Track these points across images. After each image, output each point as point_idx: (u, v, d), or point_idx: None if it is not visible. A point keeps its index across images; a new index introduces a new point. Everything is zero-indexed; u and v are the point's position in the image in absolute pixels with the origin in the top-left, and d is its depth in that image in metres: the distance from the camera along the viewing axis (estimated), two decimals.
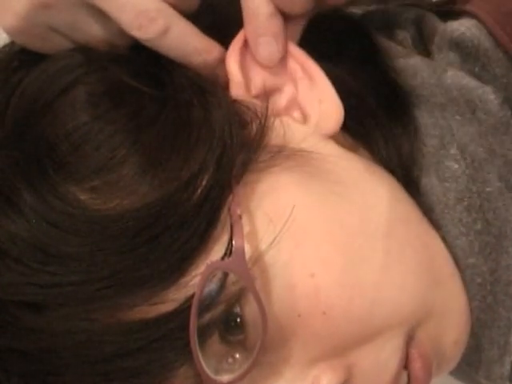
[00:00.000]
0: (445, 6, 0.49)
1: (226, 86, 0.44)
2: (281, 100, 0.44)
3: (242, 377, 0.38)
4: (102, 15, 0.41)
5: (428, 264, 0.42)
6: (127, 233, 0.38)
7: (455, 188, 0.44)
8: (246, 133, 0.41)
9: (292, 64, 0.44)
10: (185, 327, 0.37)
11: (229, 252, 0.38)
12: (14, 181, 0.39)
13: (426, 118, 0.46)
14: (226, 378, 0.39)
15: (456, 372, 0.47)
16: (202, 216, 0.38)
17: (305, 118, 0.44)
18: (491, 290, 0.44)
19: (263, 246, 0.39)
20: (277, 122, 0.43)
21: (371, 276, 0.40)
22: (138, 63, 0.43)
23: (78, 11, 0.41)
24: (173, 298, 0.38)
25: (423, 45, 0.49)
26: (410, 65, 0.46)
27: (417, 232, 0.43)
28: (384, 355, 0.40)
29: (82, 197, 0.39)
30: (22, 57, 0.44)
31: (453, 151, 0.45)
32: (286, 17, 0.43)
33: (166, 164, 0.39)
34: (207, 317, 0.38)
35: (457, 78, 0.45)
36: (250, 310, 0.39)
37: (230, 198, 0.39)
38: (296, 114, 0.44)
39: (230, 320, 0.39)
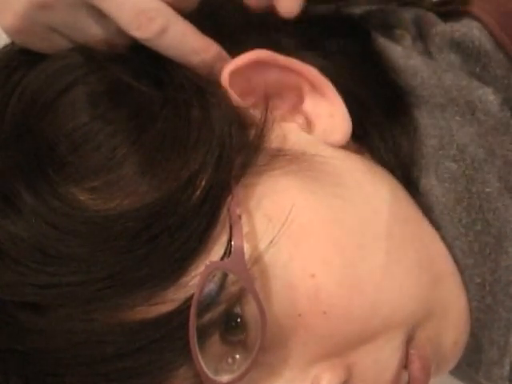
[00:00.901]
0: (445, 6, 0.49)
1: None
2: (283, 105, 0.44)
3: (241, 377, 0.38)
4: (100, 15, 0.41)
5: (428, 264, 0.42)
6: (127, 233, 0.38)
7: (455, 188, 0.44)
8: (246, 134, 0.41)
9: (294, 78, 0.44)
10: (184, 327, 0.37)
11: (228, 252, 0.38)
12: (14, 181, 0.39)
13: (425, 119, 0.46)
14: (225, 378, 0.39)
15: (456, 372, 0.47)
16: (202, 216, 0.38)
17: (310, 126, 0.44)
18: (491, 290, 0.44)
19: (262, 246, 0.39)
20: (278, 125, 0.43)
21: (371, 276, 0.40)
22: (138, 63, 0.43)
23: (77, 11, 0.41)
24: (172, 299, 0.38)
25: (423, 45, 0.49)
26: (410, 65, 0.46)
27: (417, 232, 0.43)
28: (384, 355, 0.41)
29: (82, 197, 0.39)
30: (22, 57, 0.44)
31: (452, 152, 0.45)
32: None
33: (165, 164, 0.39)
34: (207, 317, 0.38)
35: (457, 78, 0.45)
36: (249, 310, 0.39)
37: (230, 198, 0.39)
38: (300, 121, 0.44)
39: (229, 320, 0.39)
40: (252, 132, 0.41)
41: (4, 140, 0.41)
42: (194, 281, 0.38)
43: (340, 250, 0.40)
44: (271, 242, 0.39)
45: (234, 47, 0.44)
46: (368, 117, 0.46)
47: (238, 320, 0.39)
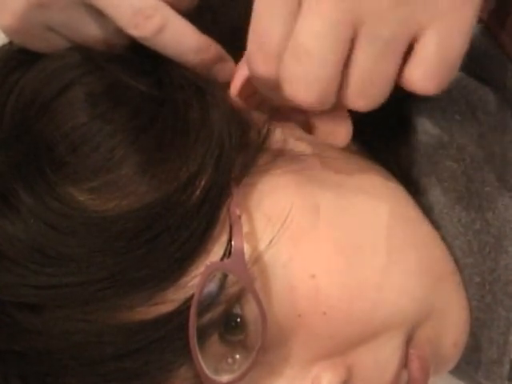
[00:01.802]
0: None
1: (225, 85, 0.43)
2: (285, 106, 0.44)
3: (241, 377, 0.38)
4: (98, 14, 0.41)
5: (428, 264, 0.42)
6: (126, 234, 0.38)
7: (454, 188, 0.44)
8: (246, 134, 0.41)
9: None
10: (184, 328, 0.37)
11: (228, 253, 0.38)
12: (12, 182, 0.39)
13: (425, 119, 0.46)
14: (225, 378, 0.39)
15: (456, 371, 0.47)
16: (201, 216, 0.38)
17: (311, 129, 0.44)
18: (490, 289, 0.44)
19: (262, 246, 0.39)
20: (279, 126, 0.43)
21: (372, 277, 0.40)
22: (137, 63, 0.43)
23: (75, 10, 0.41)
24: (172, 299, 0.38)
25: None
26: None
27: (417, 232, 0.43)
28: (384, 355, 0.41)
29: (81, 198, 0.39)
30: (20, 56, 0.44)
31: (452, 151, 0.45)
32: None
33: (164, 164, 0.39)
34: (207, 317, 0.38)
35: (457, 78, 0.45)
36: (249, 310, 0.39)
37: (230, 198, 0.39)
38: (302, 122, 0.44)
39: (229, 320, 0.39)
40: (253, 132, 0.41)
41: (2, 140, 0.41)
42: (194, 281, 0.38)
43: (340, 250, 0.40)
44: (271, 242, 0.39)
45: (234, 47, 0.43)
46: (368, 116, 0.46)
47: (238, 320, 0.39)
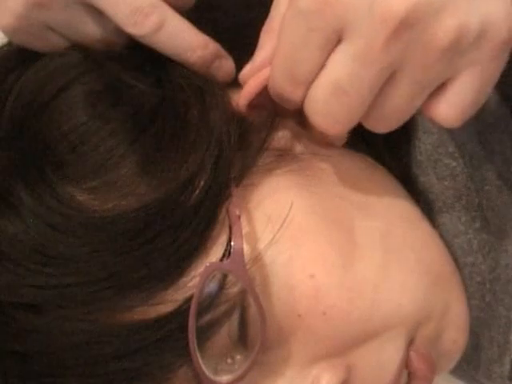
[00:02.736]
0: None
1: (224, 83, 0.43)
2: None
3: (241, 377, 0.38)
4: (97, 13, 0.41)
5: (428, 263, 0.42)
6: (125, 234, 0.38)
7: (453, 186, 0.44)
8: (246, 135, 0.41)
9: None
10: (184, 328, 0.37)
11: (227, 253, 0.38)
12: (12, 182, 0.39)
13: (424, 117, 0.45)
14: (225, 378, 0.39)
15: (456, 371, 0.47)
16: (201, 216, 0.38)
17: (310, 127, 0.44)
18: (490, 288, 0.44)
19: (262, 247, 0.39)
20: (279, 126, 0.43)
21: (371, 276, 0.40)
22: (136, 62, 0.43)
23: (74, 9, 0.41)
24: (172, 299, 0.38)
25: None
26: None
27: (417, 231, 0.43)
28: (385, 355, 0.41)
29: (80, 198, 0.39)
30: (20, 56, 0.44)
31: (451, 149, 0.44)
32: None
33: (164, 164, 0.39)
34: (206, 318, 0.38)
35: None
36: (249, 310, 0.38)
37: (229, 198, 0.39)
38: (301, 121, 0.44)
39: (229, 321, 0.39)
40: (253, 132, 0.41)
41: (2, 140, 0.41)
42: (194, 281, 0.38)
43: (339, 249, 0.40)
44: (270, 242, 0.38)
45: (232, 46, 0.43)
46: None
47: (238, 320, 0.39)
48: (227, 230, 0.38)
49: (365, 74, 0.35)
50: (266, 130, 0.41)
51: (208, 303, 0.37)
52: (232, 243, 0.38)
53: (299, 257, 0.39)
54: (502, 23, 0.34)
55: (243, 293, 0.38)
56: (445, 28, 0.34)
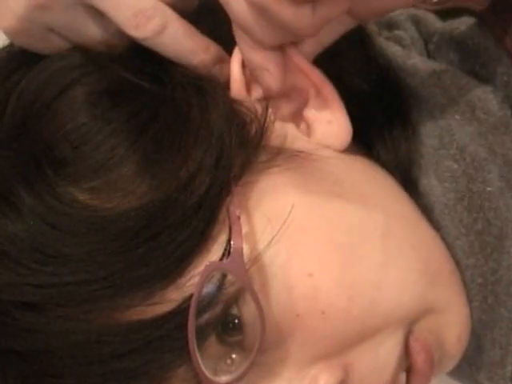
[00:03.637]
0: (444, 4, 0.49)
1: (225, 85, 0.44)
2: (286, 106, 0.44)
3: (240, 378, 0.38)
4: (99, 15, 0.41)
5: (427, 262, 0.42)
6: (125, 233, 0.38)
7: (455, 188, 0.44)
8: (245, 133, 0.41)
9: (303, 80, 0.43)
10: (183, 328, 0.37)
11: (227, 253, 0.38)
12: (13, 181, 0.39)
13: (425, 118, 0.45)
14: (224, 379, 0.38)
15: (457, 373, 0.47)
16: (201, 216, 0.38)
17: (309, 131, 0.44)
18: (492, 290, 0.44)
19: (261, 247, 0.39)
20: (278, 125, 0.43)
21: (370, 275, 0.40)
22: (137, 63, 0.43)
23: (76, 11, 0.42)
24: (171, 299, 0.38)
25: (422, 44, 0.48)
26: (410, 65, 0.46)
27: (415, 231, 0.43)
28: (382, 353, 0.40)
29: (81, 197, 0.39)
30: (22, 58, 0.44)
31: (452, 151, 0.44)
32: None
33: (164, 164, 0.39)
34: (205, 317, 0.38)
35: (456, 77, 0.45)
36: (248, 310, 0.38)
37: (229, 198, 0.39)
38: (301, 125, 0.44)
39: (228, 321, 0.39)
40: (252, 129, 0.41)
41: (3, 140, 0.41)
42: (193, 281, 0.37)
43: (338, 248, 0.40)
44: (270, 242, 0.38)
45: (233, 49, 0.43)
46: (367, 117, 0.46)
47: (236, 321, 0.39)
48: (227, 229, 0.38)
49: None
50: (265, 128, 0.41)
51: (207, 303, 0.37)
52: (231, 243, 0.38)
53: (298, 256, 0.39)
54: None
55: (242, 293, 0.38)
56: None
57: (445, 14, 0.48)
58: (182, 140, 0.40)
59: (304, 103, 0.44)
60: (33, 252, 0.38)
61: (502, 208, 0.44)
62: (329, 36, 0.42)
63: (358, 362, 0.40)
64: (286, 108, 0.44)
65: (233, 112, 0.41)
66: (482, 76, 0.45)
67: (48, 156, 0.40)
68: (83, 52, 0.43)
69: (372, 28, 0.49)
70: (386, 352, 0.40)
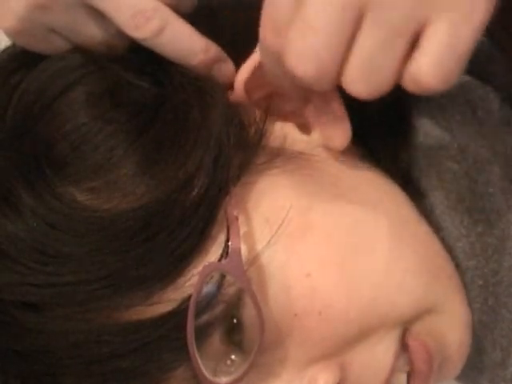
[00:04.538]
0: None
1: (225, 86, 0.44)
2: (285, 106, 0.44)
3: (240, 378, 0.38)
4: (99, 16, 0.41)
5: (426, 264, 0.42)
6: (125, 233, 0.38)
7: (456, 189, 0.44)
8: (244, 134, 0.41)
9: None
10: (182, 328, 0.37)
11: (225, 253, 0.38)
12: (13, 181, 0.39)
13: (425, 119, 0.45)
14: (224, 379, 0.38)
15: (459, 375, 0.47)
16: (199, 216, 0.38)
17: (309, 131, 0.44)
18: (493, 291, 0.44)
19: (260, 247, 0.39)
20: (277, 126, 0.43)
21: (369, 276, 0.40)
22: (137, 64, 0.43)
23: (76, 12, 0.42)
24: (170, 299, 0.38)
25: None
26: None
27: (415, 233, 0.43)
28: (379, 351, 0.40)
29: (80, 197, 0.39)
30: (22, 58, 0.44)
31: (453, 152, 0.44)
32: None
33: (163, 164, 0.39)
34: (204, 318, 0.38)
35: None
36: (247, 310, 0.38)
37: (227, 198, 0.39)
38: (301, 124, 0.44)
39: (227, 321, 0.39)
40: (251, 130, 0.41)
41: (4, 140, 0.41)
42: (192, 281, 0.38)
43: (336, 249, 0.40)
44: (268, 242, 0.38)
45: (233, 50, 0.44)
46: (367, 117, 0.45)
47: (235, 321, 0.39)
48: (225, 229, 0.38)
49: (329, 10, 0.33)
50: (264, 129, 0.41)
51: (206, 303, 0.37)
52: (229, 243, 0.38)
53: (296, 256, 0.39)
54: None
55: (241, 293, 0.38)
56: None
57: None
58: (182, 140, 0.40)
59: (303, 104, 0.44)
60: (32, 252, 0.38)
61: (504, 209, 0.44)
62: None
63: (355, 361, 0.40)
64: (287, 107, 0.44)
65: (232, 113, 0.41)
66: (483, 76, 0.45)
67: (48, 156, 0.40)
68: (83, 53, 0.43)
69: None
70: (382, 351, 0.40)
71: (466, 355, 0.44)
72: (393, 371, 0.41)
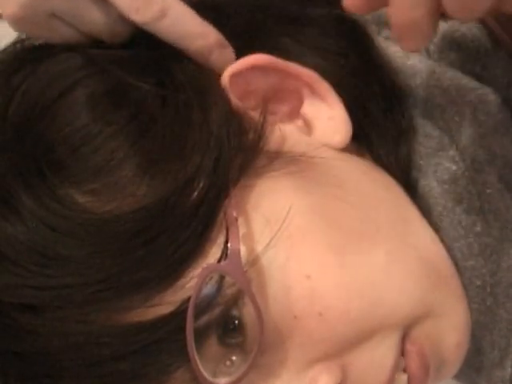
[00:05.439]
0: None
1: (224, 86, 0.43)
2: (283, 108, 0.44)
3: (240, 379, 0.38)
4: (101, 1, 0.41)
5: (427, 265, 0.42)
6: (124, 235, 0.38)
7: (454, 190, 0.44)
8: (243, 137, 0.41)
9: (293, 82, 0.44)
10: (181, 330, 0.37)
11: (225, 255, 0.38)
12: (13, 183, 0.39)
13: (424, 120, 0.45)
14: (223, 380, 0.39)
15: (457, 375, 0.47)
16: (199, 218, 0.38)
17: (309, 129, 0.44)
18: (491, 292, 0.44)
19: (259, 248, 0.39)
20: (277, 128, 0.43)
21: (369, 277, 0.40)
22: (138, 64, 0.43)
23: None
24: (169, 301, 0.38)
25: None
26: (409, 65, 0.46)
27: (416, 234, 0.43)
28: (379, 353, 0.40)
29: (80, 199, 0.39)
30: (23, 59, 0.44)
31: (452, 153, 0.44)
32: None
33: (163, 166, 0.39)
34: (204, 319, 0.38)
35: (456, 78, 0.45)
36: (247, 312, 0.39)
37: (227, 200, 0.39)
38: (300, 123, 0.44)
39: (227, 323, 0.39)
40: (251, 134, 0.41)
41: (4, 142, 0.41)
42: (191, 283, 0.38)
43: (336, 250, 0.40)
44: (268, 244, 0.38)
45: (235, 48, 0.44)
46: (367, 118, 0.46)
47: (235, 322, 0.39)
48: (224, 231, 0.38)
49: None
50: (264, 131, 0.41)
51: (205, 304, 0.37)
52: (229, 245, 0.38)
53: (296, 258, 0.39)
54: None
55: (241, 295, 0.38)
56: None
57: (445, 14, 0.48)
58: (182, 142, 0.40)
59: (298, 103, 0.44)
60: (32, 254, 0.38)
61: (502, 210, 0.44)
62: None
63: (355, 362, 0.40)
64: (282, 110, 0.44)
65: (232, 114, 0.41)
66: (482, 77, 0.45)
67: (48, 158, 0.40)
68: (84, 54, 0.43)
69: (371, 27, 0.48)
70: (382, 353, 0.40)
71: (464, 355, 0.44)
72: (393, 373, 0.41)
